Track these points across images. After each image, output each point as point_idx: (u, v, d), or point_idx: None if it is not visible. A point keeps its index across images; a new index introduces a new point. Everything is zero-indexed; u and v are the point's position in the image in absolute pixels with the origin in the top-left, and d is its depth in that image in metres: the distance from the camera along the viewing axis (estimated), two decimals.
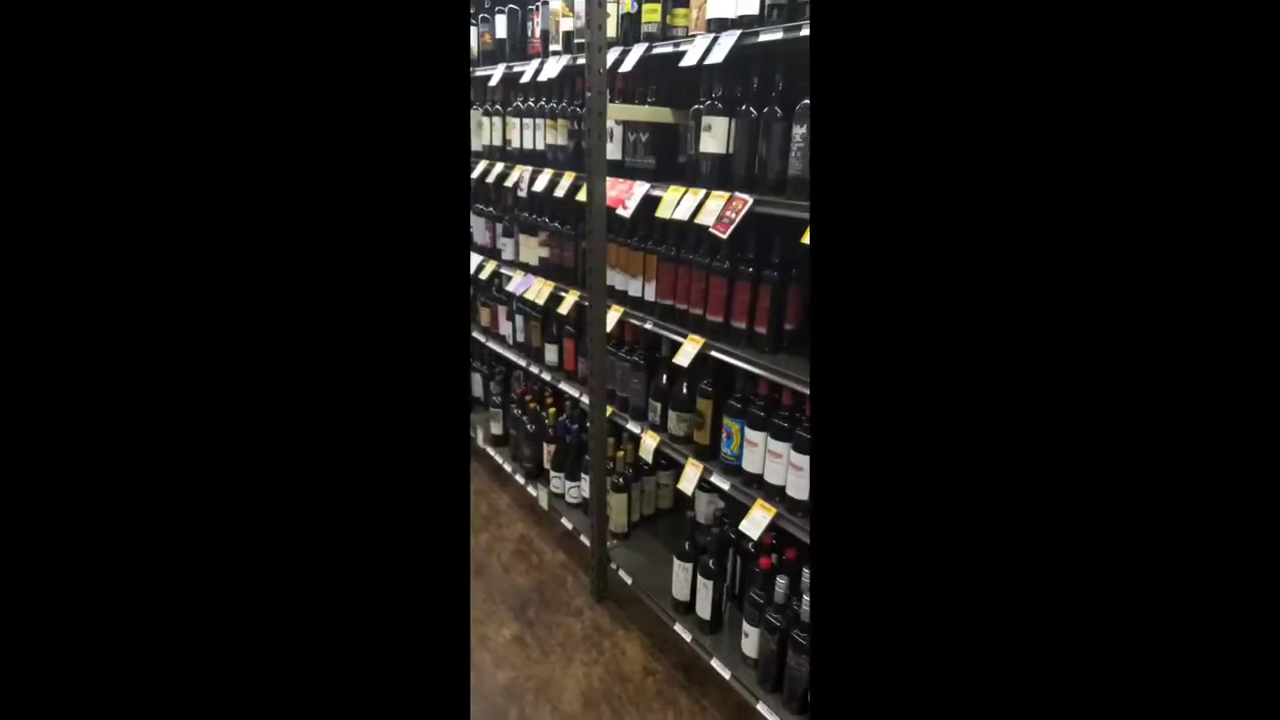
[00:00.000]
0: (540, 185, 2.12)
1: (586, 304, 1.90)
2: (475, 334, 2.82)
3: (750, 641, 1.57)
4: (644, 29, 1.68)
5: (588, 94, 1.64)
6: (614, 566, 1.99)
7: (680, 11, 1.65)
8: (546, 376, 2.38)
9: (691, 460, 1.72)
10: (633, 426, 1.95)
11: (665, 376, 1.86)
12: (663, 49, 1.60)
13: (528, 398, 2.49)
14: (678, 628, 1.75)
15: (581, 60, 1.89)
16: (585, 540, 2.10)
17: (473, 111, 2.61)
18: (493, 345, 2.73)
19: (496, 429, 2.67)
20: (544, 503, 2.31)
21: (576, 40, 1.98)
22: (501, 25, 2.37)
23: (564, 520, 2.21)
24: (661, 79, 1.80)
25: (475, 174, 2.52)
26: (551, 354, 2.39)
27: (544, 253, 2.32)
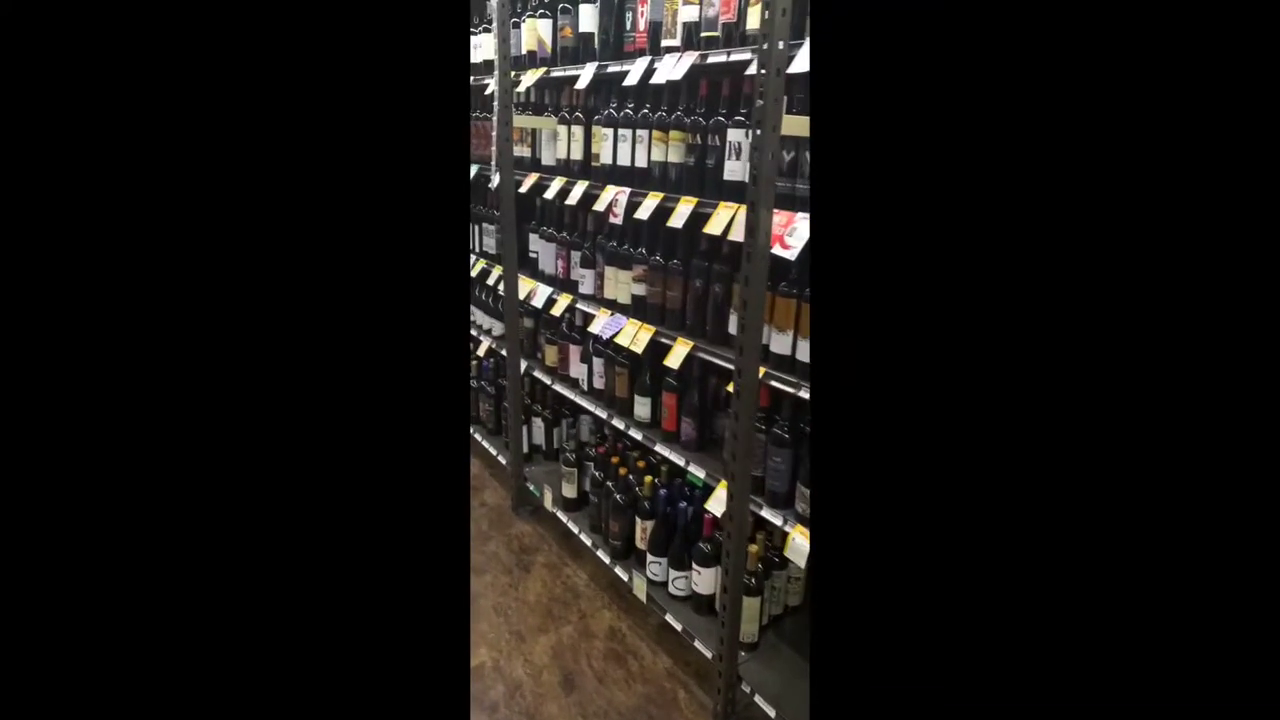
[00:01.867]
0: (646, 211, 1.74)
1: (732, 368, 1.52)
2: (539, 374, 2.44)
3: None
4: None
5: (757, 102, 1.26)
6: (746, 688, 1.60)
7: None
8: (636, 434, 1.99)
9: None
10: (770, 515, 1.56)
11: None
12: None
13: (614, 459, 2.10)
14: None
15: (714, 59, 1.51)
16: (702, 648, 1.71)
17: (546, 118, 2.23)
18: (560, 389, 2.34)
19: (570, 491, 2.28)
20: (640, 593, 1.92)
21: (703, 34, 1.60)
22: (588, 16, 1.99)
23: (669, 618, 1.82)
24: None
25: (549, 194, 2.14)
26: (643, 408, 2.00)
27: (639, 290, 1.93)
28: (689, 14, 1.62)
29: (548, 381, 2.41)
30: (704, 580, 1.77)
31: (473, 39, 2.55)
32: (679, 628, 1.79)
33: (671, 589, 1.87)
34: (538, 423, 2.60)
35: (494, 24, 2.18)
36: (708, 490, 1.70)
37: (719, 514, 1.60)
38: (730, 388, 1.49)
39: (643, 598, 1.92)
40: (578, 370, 2.28)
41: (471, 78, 2.53)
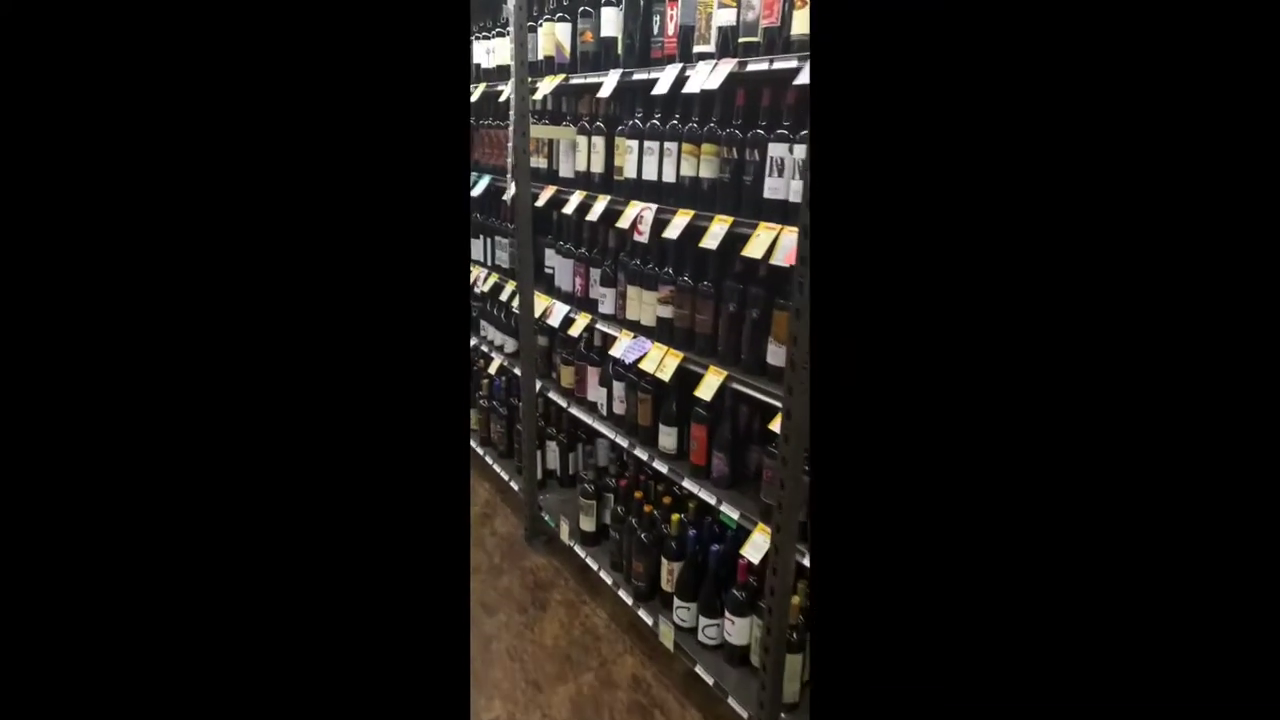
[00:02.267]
0: (675, 230, 1.61)
1: (769, 400, 1.38)
2: (555, 396, 2.31)
3: None
4: None
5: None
6: None
7: None
8: (660, 466, 1.86)
9: None
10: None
11: None
12: None
13: (637, 494, 1.97)
14: None
15: (754, 66, 1.38)
16: (736, 705, 1.58)
17: (565, 128, 2.10)
18: (577, 412, 2.21)
19: (588, 524, 2.15)
20: (667, 642, 1.79)
21: (741, 39, 1.47)
22: (610, 20, 1.86)
23: (700, 670, 1.69)
24: None
25: (569, 209, 2.01)
26: (668, 438, 1.87)
27: (665, 312, 1.80)
28: (725, 18, 1.49)
29: (563, 404, 2.28)
30: (738, 630, 1.63)
31: (488, 44, 2.42)
32: (710, 681, 1.65)
33: (701, 637, 1.73)
34: (552, 446, 2.47)
35: (510, 28, 2.05)
36: (741, 532, 1.57)
37: (756, 560, 1.47)
38: (775, 425, 1.35)
39: (670, 647, 1.78)
40: (596, 394, 2.14)
41: (486, 84, 2.40)
